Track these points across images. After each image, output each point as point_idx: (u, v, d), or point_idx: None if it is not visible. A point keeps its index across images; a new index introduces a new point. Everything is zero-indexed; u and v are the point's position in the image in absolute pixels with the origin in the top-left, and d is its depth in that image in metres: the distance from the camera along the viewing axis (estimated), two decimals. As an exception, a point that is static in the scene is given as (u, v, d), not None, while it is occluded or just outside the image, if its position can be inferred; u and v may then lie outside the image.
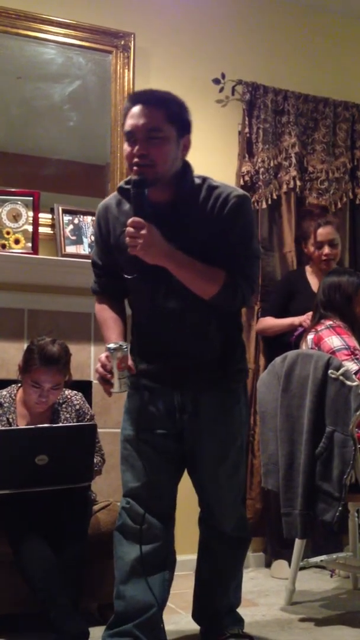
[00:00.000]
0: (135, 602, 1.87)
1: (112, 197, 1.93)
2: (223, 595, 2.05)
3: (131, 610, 1.86)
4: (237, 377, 1.96)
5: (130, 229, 1.72)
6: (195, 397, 1.90)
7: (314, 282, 3.08)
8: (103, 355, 1.79)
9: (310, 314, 2.86)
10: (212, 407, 1.90)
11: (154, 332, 1.89)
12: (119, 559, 1.93)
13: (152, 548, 1.91)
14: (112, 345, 1.77)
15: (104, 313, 1.97)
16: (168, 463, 1.95)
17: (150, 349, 1.90)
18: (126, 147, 1.77)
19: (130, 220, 1.73)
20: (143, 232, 1.71)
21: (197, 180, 1.84)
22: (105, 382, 1.79)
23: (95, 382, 2.91)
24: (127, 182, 1.82)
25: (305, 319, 2.89)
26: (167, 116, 1.75)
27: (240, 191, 1.87)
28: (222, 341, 1.89)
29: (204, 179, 1.84)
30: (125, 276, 1.80)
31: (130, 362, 1.80)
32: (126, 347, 1.78)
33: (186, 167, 1.84)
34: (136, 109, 1.75)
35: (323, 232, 3.06)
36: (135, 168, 1.74)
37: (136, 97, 1.79)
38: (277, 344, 3.03)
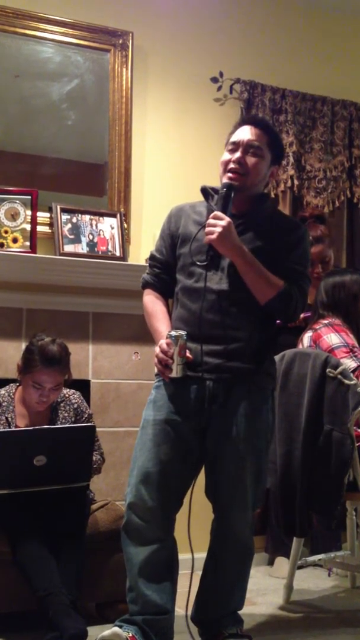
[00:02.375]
0: (148, 604, 1.88)
1: (186, 203, 2.15)
2: (227, 603, 2.04)
3: (144, 611, 1.88)
4: (268, 378, 2.03)
5: (211, 220, 1.91)
6: (228, 389, 1.94)
7: None
8: (164, 342, 1.91)
9: None
10: (242, 402, 1.94)
11: (200, 315, 1.95)
12: (127, 560, 1.94)
13: (158, 547, 1.91)
14: (174, 333, 1.91)
15: (155, 306, 2.09)
16: (187, 457, 1.95)
17: (192, 333, 1.94)
18: (226, 155, 2.03)
19: (213, 213, 1.93)
20: (222, 223, 1.89)
21: (270, 207, 2.15)
22: (165, 367, 1.91)
23: (94, 381, 2.92)
24: (211, 188, 2.07)
25: None
26: (269, 142, 2.03)
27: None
28: (259, 336, 1.99)
29: (276, 208, 2.16)
30: (197, 263, 1.98)
31: (188, 351, 1.92)
32: (186, 336, 1.91)
33: (266, 194, 2.15)
34: (247, 127, 2.03)
35: (315, 251, 3.02)
36: (229, 175, 1.99)
37: (250, 119, 2.15)
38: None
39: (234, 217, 1.95)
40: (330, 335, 2.52)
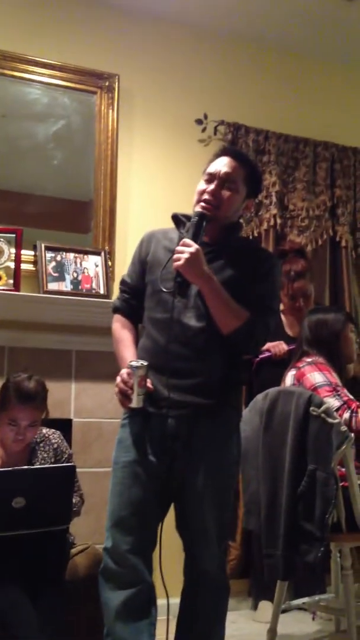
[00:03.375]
0: None
1: (159, 229, 2.15)
2: None
3: None
4: (232, 412, 1.99)
5: (179, 247, 1.89)
6: (190, 425, 1.90)
7: (286, 322, 3.11)
8: (124, 372, 1.88)
9: (279, 343, 2.89)
10: (206, 438, 1.91)
11: (164, 346, 1.93)
12: (104, 605, 1.90)
13: (136, 591, 1.87)
14: (135, 363, 1.88)
15: (123, 333, 2.07)
16: (157, 495, 1.92)
17: (154, 364, 1.92)
18: (201, 184, 2.02)
19: (183, 240, 1.90)
20: (190, 249, 1.86)
21: (243, 237, 2.09)
22: (125, 397, 1.88)
23: (76, 420, 2.89)
24: (183, 216, 2.07)
25: (275, 345, 2.95)
26: (245, 177, 2.01)
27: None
28: (225, 370, 1.95)
29: (249, 238, 1.99)
30: (162, 289, 1.95)
31: (149, 381, 1.89)
32: (147, 367, 1.88)
33: (239, 224, 2.12)
34: (225, 158, 2.01)
35: (297, 286, 3.07)
36: (202, 204, 1.98)
37: (229, 151, 2.10)
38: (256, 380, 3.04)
39: (205, 245, 1.93)
40: (314, 374, 2.52)
